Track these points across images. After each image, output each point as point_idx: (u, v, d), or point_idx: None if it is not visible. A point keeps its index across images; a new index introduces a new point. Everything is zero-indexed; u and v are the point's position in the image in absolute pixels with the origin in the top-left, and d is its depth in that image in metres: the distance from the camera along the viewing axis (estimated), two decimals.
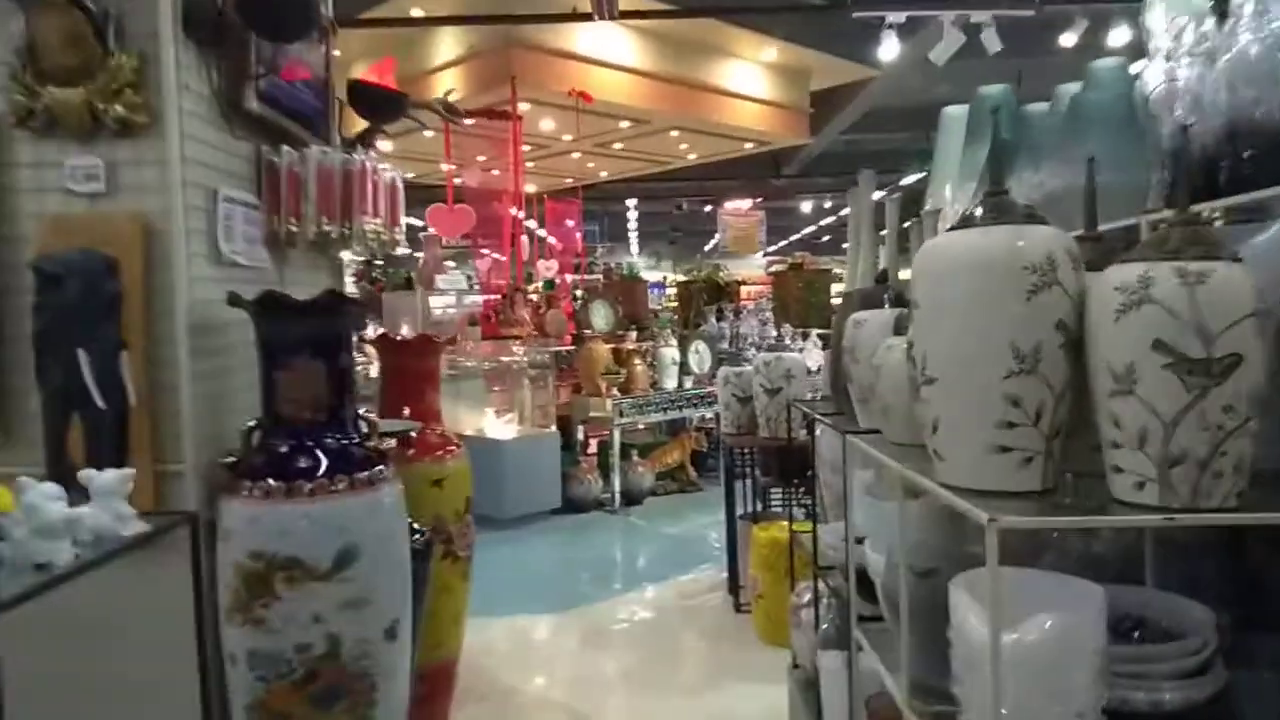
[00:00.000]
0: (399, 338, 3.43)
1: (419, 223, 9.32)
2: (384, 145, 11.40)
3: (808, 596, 2.98)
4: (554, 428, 6.67)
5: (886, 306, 2.22)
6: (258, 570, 2.12)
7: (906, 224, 2.90)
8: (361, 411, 2.37)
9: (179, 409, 2.20)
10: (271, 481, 2.14)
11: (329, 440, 2.23)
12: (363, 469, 2.23)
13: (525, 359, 6.75)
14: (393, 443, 2.30)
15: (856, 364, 2.23)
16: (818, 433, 2.86)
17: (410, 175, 13.49)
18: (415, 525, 2.83)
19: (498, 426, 6.37)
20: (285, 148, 2.67)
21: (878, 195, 3.05)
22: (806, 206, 21.21)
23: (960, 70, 14.77)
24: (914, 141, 17.25)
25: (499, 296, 6.95)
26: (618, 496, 6.70)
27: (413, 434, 3.01)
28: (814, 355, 8.77)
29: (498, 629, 4.28)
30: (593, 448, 7.55)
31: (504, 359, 6.77)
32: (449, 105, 3.64)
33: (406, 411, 3.17)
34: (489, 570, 5.13)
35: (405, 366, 3.27)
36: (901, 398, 1.84)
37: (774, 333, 8.33)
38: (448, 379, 6.37)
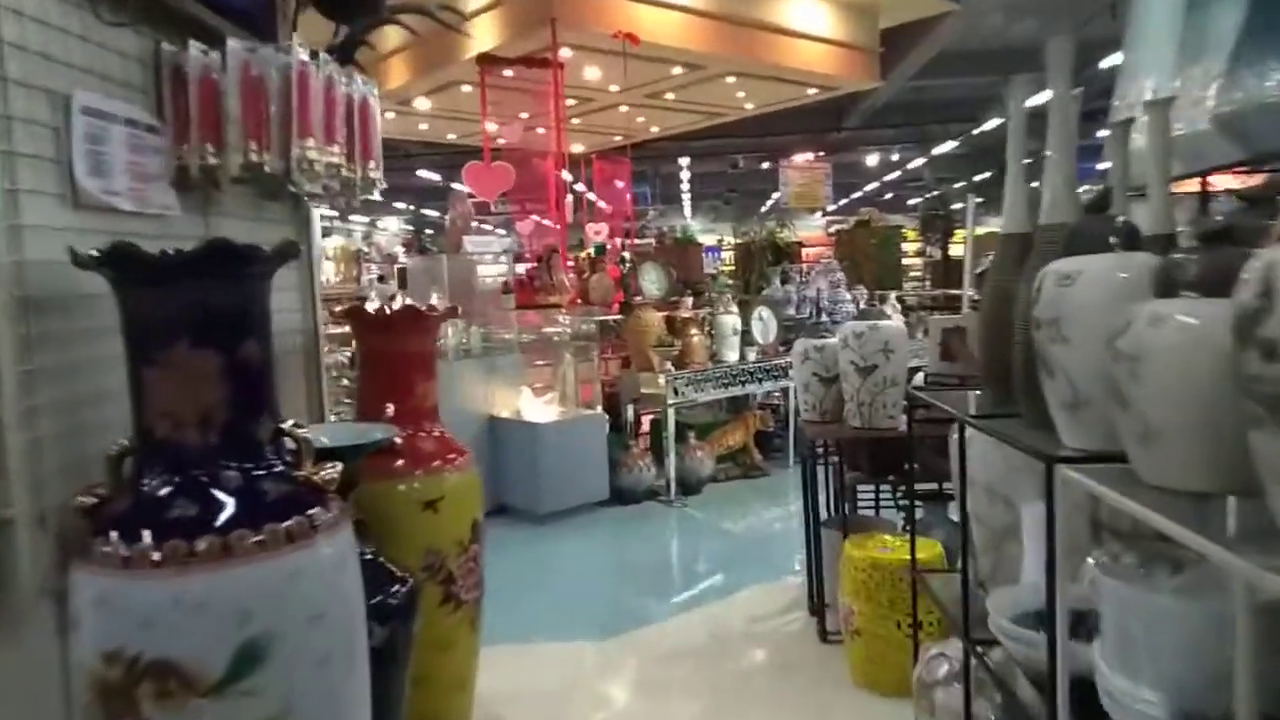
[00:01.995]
0: (375, 311, 2.65)
1: (464, 188, 8.60)
2: (421, 103, 10.68)
3: (944, 670, 2.14)
4: (600, 408, 5.88)
5: (1116, 250, 1.35)
6: (113, 680, 1.36)
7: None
8: (290, 424, 1.58)
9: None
10: (130, 543, 1.37)
11: (228, 472, 1.45)
12: (281, 515, 1.45)
13: (567, 330, 5.95)
14: (334, 472, 1.53)
15: (1065, 345, 1.36)
16: (963, 437, 2.00)
17: (452, 136, 12.76)
18: (394, 570, 2.06)
19: (535, 407, 5.61)
20: (195, 44, 1.88)
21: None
22: (872, 160, 19.96)
23: (1043, 6, 13.45)
24: (990, 87, 15.94)
25: (535, 262, 6.14)
26: (673, 485, 5.90)
27: (397, 441, 2.23)
28: (895, 321, 7.85)
29: (527, 662, 3.53)
30: (645, 429, 6.76)
31: (543, 330, 5.99)
32: (446, 5, 2.82)
33: (390, 410, 2.39)
34: (520, 580, 4.43)
35: (386, 351, 2.50)
36: (1193, 413, 0.98)
37: (846, 295, 7.42)
38: (480, 355, 5.62)
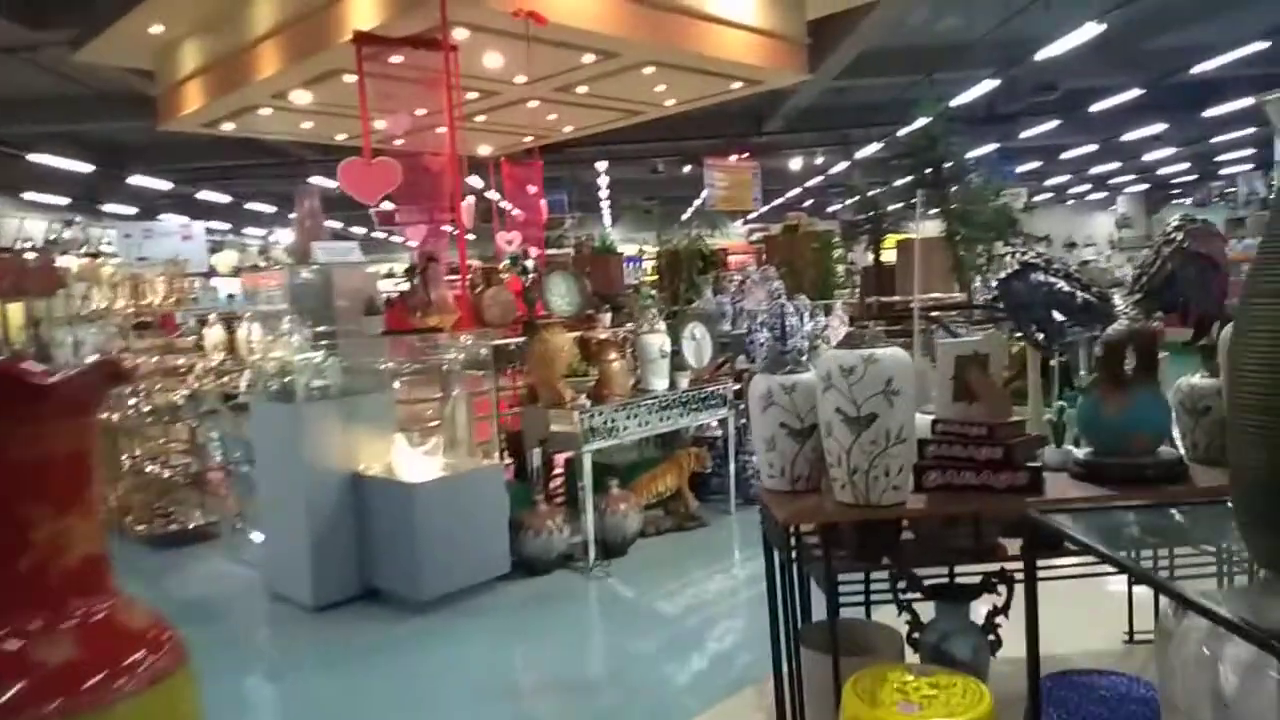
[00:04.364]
0: None
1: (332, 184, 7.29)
2: (299, 97, 9.32)
3: None
4: (498, 455, 4.71)
5: None
6: None
7: None
8: None
9: None
10: None
11: None
12: None
13: (456, 358, 4.76)
14: None
15: None
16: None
17: (341, 137, 11.38)
18: None
19: (412, 460, 4.39)
20: None
21: None
22: (796, 164, 19.29)
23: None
24: (912, 88, 15.36)
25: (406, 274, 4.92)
26: (592, 547, 4.76)
27: None
28: (839, 334, 6.87)
29: None
30: (558, 473, 5.61)
31: (426, 360, 4.78)
32: None
33: None
34: (374, 710, 3.33)
35: None
36: None
37: (790, 307, 6.41)
38: (340, 395, 4.39)
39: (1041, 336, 2.53)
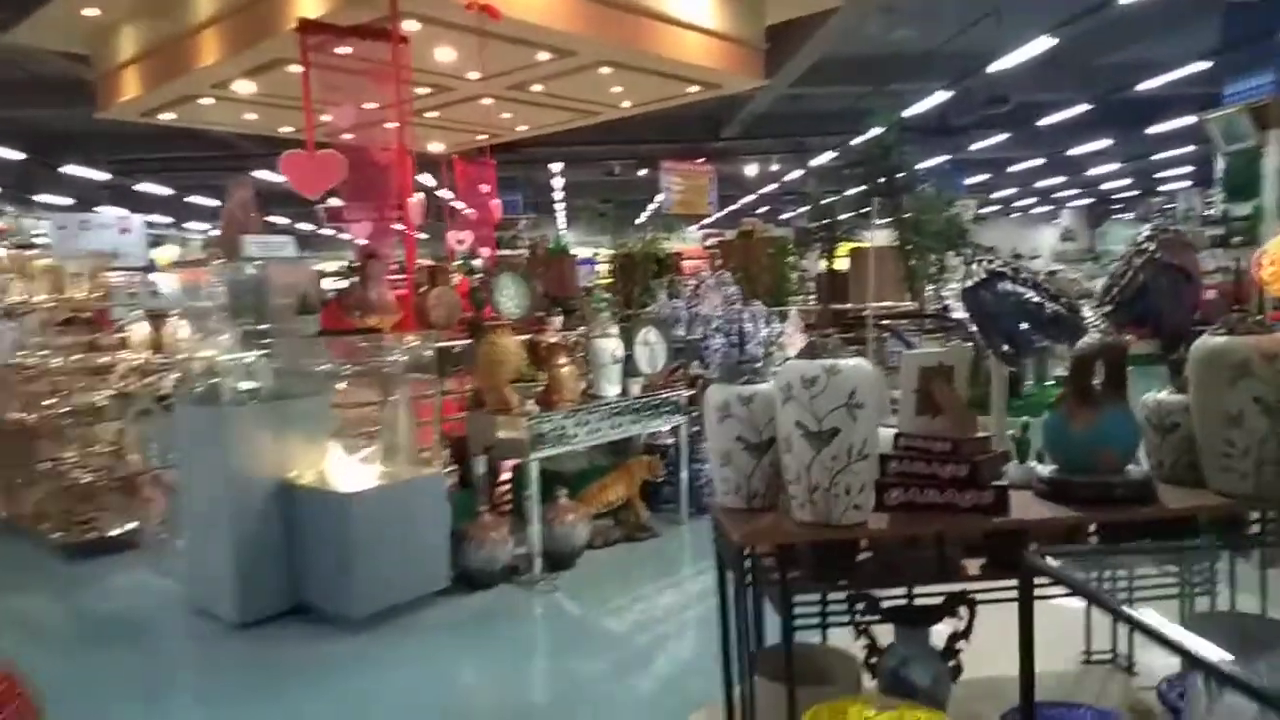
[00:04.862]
0: None
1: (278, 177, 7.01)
2: (242, 87, 8.97)
3: None
4: (439, 463, 4.50)
5: None
6: None
7: None
8: None
9: None
10: None
11: None
12: None
13: (398, 361, 4.53)
14: None
15: None
16: None
17: (286, 129, 11.02)
18: None
19: (348, 468, 4.16)
20: None
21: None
22: (752, 170, 19.31)
23: (926, 11, 12.93)
24: (867, 98, 15.45)
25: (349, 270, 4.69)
26: (538, 560, 4.57)
27: None
28: (797, 342, 6.77)
29: None
30: (505, 481, 5.41)
31: (366, 362, 4.55)
32: None
33: None
34: None
35: None
36: None
37: (745, 312, 6.30)
38: (272, 398, 4.14)
39: (1008, 348, 2.42)
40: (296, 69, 6.81)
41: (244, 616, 4.05)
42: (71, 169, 16.50)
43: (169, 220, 23.42)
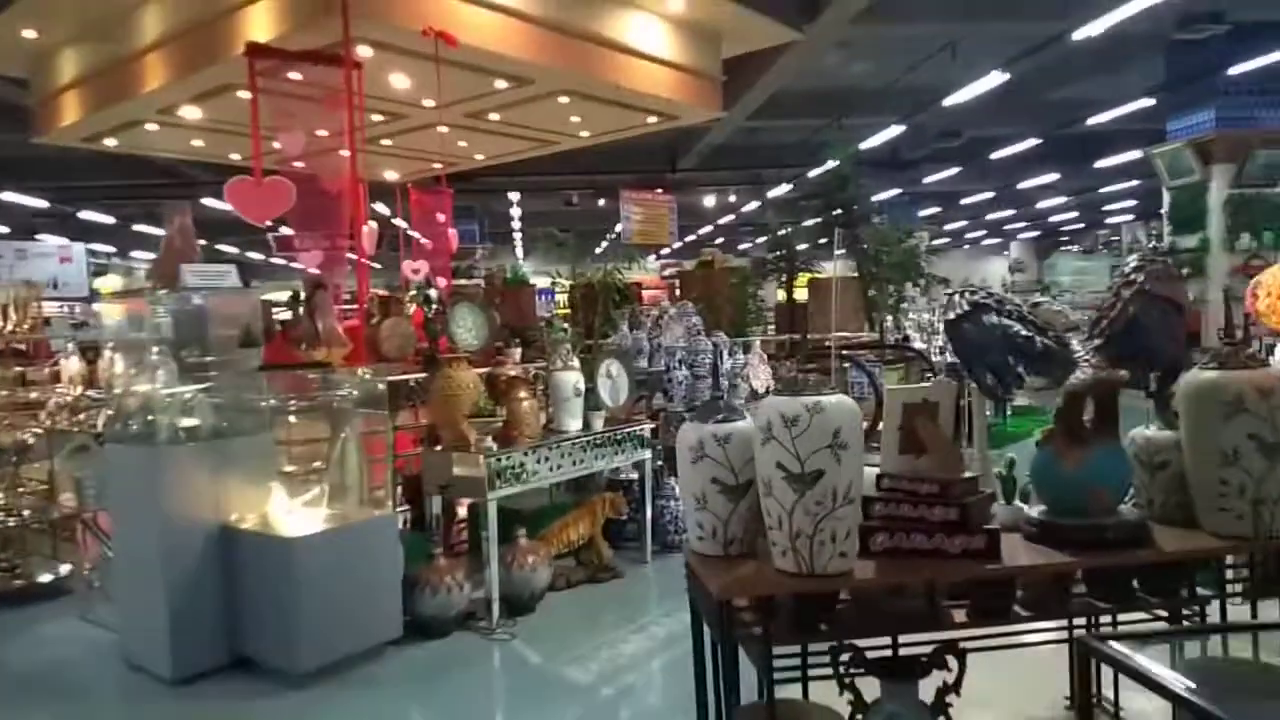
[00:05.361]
0: None
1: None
2: (189, 113, 8.70)
3: None
4: (390, 506, 4.27)
5: None
6: None
7: None
8: None
9: None
10: None
11: None
12: None
13: (347, 394, 4.31)
14: None
15: None
16: None
17: (235, 156, 10.73)
18: None
19: (292, 512, 3.91)
20: None
21: None
22: (709, 201, 19.37)
23: (882, 46, 13.12)
24: (823, 131, 15.62)
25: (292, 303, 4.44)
26: (496, 605, 4.34)
27: None
28: (760, 374, 6.66)
29: None
30: (461, 522, 5.18)
31: (313, 396, 4.32)
32: None
33: None
34: None
35: None
36: None
37: (708, 343, 6.18)
38: (211, 436, 3.89)
39: (992, 382, 2.31)
40: (246, 94, 6.60)
41: (179, 672, 3.76)
42: (8, 196, 15.93)
43: (112, 249, 22.76)
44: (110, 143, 9.83)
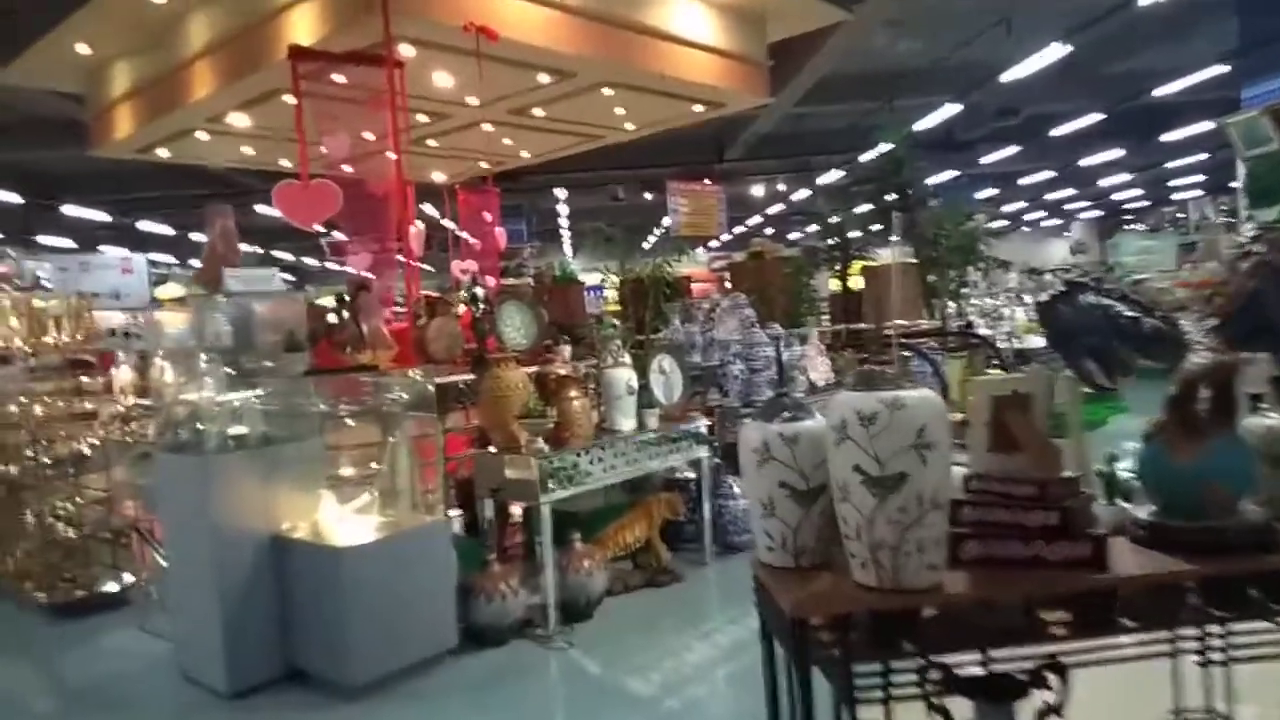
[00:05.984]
0: None
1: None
2: (237, 120, 8.75)
3: None
4: (442, 510, 4.15)
5: None
6: None
7: None
8: None
9: None
10: None
11: None
12: None
13: (398, 398, 4.22)
14: None
15: None
16: None
17: (285, 163, 10.81)
18: None
19: (342, 519, 3.82)
20: None
21: None
22: (757, 191, 19.04)
23: (932, 22, 12.68)
24: (872, 115, 15.21)
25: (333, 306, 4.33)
26: (552, 611, 4.21)
27: None
28: (818, 365, 6.42)
29: None
30: (515, 523, 5.06)
31: (362, 400, 4.23)
32: None
33: None
34: None
35: None
36: None
37: (764, 336, 5.97)
38: (260, 444, 3.82)
39: (1094, 368, 2.08)
40: (292, 100, 6.59)
41: (234, 685, 3.70)
42: (71, 210, 16.36)
43: (173, 259, 23.29)
44: (163, 153, 9.96)
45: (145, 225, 19.27)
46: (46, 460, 5.14)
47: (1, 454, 5.35)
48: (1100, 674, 2.62)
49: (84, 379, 5.57)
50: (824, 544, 2.06)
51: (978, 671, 2.23)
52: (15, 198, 14.78)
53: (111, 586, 5.23)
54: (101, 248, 19.61)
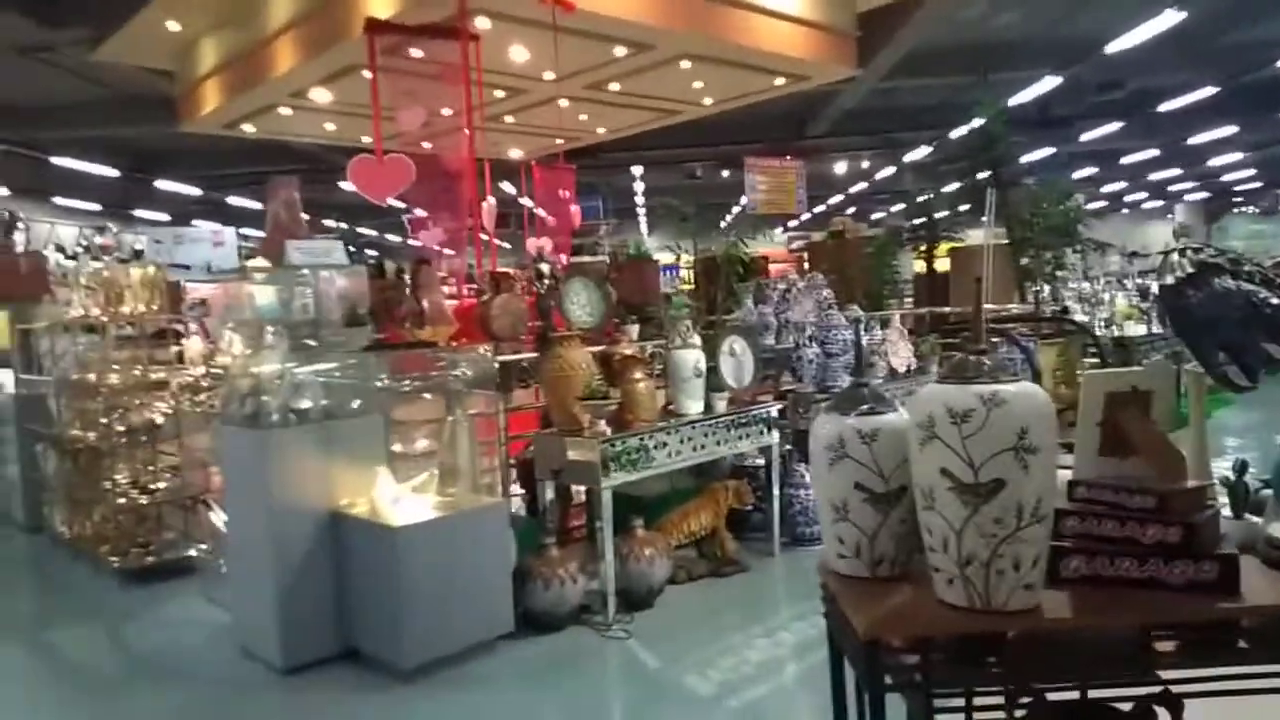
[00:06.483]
0: None
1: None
2: (319, 95, 8.81)
3: None
4: (500, 492, 4.04)
5: None
6: None
7: None
8: None
9: None
10: None
11: None
12: None
13: (459, 375, 4.10)
14: None
15: None
16: None
17: (366, 139, 10.89)
18: None
19: (399, 498, 3.73)
20: None
21: None
22: (840, 168, 18.46)
23: None
24: (963, 91, 14.51)
25: (392, 279, 4.23)
26: (611, 599, 4.06)
27: None
28: (901, 351, 6.09)
29: None
30: (577, 504, 4.93)
31: (424, 377, 4.13)
32: None
33: None
34: None
35: None
36: None
37: (841, 318, 5.68)
38: (320, 418, 3.75)
39: (1227, 362, 1.79)
40: (369, 74, 6.57)
41: (289, 661, 3.66)
42: (165, 184, 16.91)
43: (263, 234, 23.94)
44: (248, 128, 10.11)
45: (235, 200, 19.83)
46: (120, 428, 5.22)
47: (80, 420, 5.48)
48: (1214, 706, 2.34)
49: (158, 350, 5.66)
50: (904, 552, 1.84)
51: (1074, 700, 1.98)
52: (112, 171, 15.32)
53: (181, 553, 5.30)
54: (195, 222, 20.26)
